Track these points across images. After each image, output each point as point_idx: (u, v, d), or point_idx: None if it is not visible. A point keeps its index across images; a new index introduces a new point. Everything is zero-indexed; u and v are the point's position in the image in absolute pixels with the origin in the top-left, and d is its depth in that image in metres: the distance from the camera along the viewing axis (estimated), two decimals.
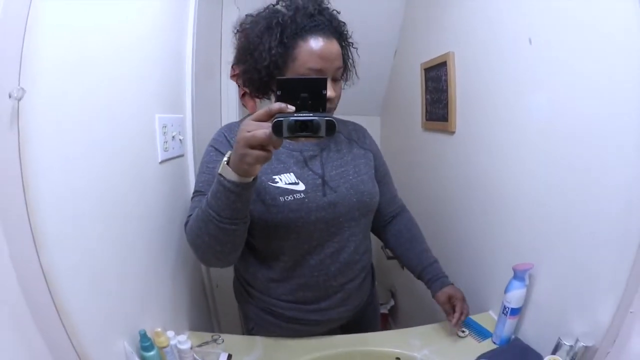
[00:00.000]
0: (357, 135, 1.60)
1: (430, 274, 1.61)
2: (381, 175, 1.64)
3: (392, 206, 1.73)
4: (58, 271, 0.88)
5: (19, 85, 0.76)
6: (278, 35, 1.23)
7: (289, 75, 1.26)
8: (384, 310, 3.03)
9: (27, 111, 0.79)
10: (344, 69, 1.39)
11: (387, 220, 1.73)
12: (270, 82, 1.33)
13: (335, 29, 1.31)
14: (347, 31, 1.37)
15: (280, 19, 1.24)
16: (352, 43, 1.41)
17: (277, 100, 0.94)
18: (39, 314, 0.86)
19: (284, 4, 1.30)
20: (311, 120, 0.91)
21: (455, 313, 1.48)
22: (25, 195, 0.80)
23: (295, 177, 1.35)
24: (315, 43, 1.23)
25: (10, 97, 0.74)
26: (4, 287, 0.79)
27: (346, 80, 1.47)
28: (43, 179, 0.85)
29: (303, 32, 1.24)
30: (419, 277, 1.65)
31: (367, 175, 1.50)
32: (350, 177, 1.43)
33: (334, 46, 1.27)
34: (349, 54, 1.41)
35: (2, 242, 0.77)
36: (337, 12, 1.36)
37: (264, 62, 1.25)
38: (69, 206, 0.94)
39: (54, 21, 0.88)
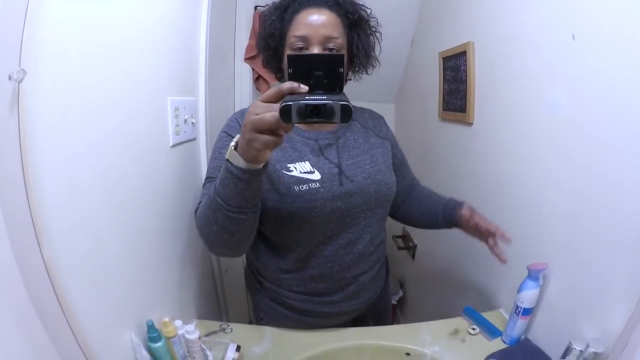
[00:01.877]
0: (373, 124, 1.57)
1: (442, 214, 1.56)
2: (399, 162, 1.62)
3: (411, 189, 1.72)
4: (60, 262, 0.86)
5: (19, 66, 0.73)
6: (280, 12, 1.33)
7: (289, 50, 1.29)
8: (392, 301, 3.01)
9: (28, 94, 0.76)
10: (350, 48, 1.37)
11: (403, 200, 1.70)
12: (281, 62, 1.38)
13: (334, 1, 1.31)
14: (357, 9, 1.36)
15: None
16: (368, 22, 1.40)
17: (289, 79, 0.89)
18: (41, 305, 0.84)
19: None
20: (324, 104, 0.81)
21: (490, 230, 1.41)
22: (26, 184, 0.78)
23: (311, 165, 1.32)
24: (305, 13, 1.28)
25: (10, 79, 0.71)
26: (6, 280, 0.77)
27: (357, 61, 1.44)
28: (45, 165, 0.82)
29: (300, 7, 1.29)
30: (439, 226, 1.60)
31: (385, 164, 1.46)
32: (367, 167, 1.40)
33: (325, 15, 1.27)
34: (360, 33, 1.38)
35: (3, 233, 0.74)
36: None
37: (265, 33, 1.36)
38: (74, 194, 0.91)
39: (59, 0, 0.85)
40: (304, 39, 1.25)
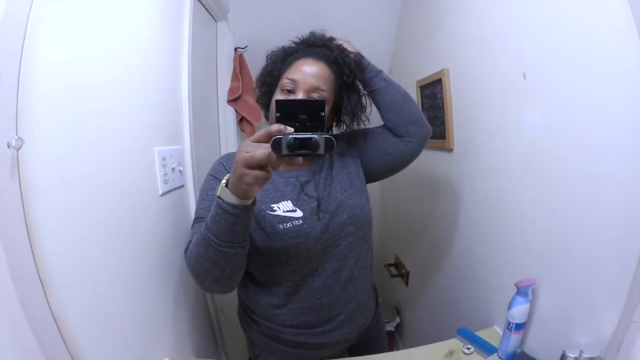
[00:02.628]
0: (347, 145, 1.61)
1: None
2: (371, 135, 1.59)
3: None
4: (67, 313, 0.90)
5: (16, 134, 0.78)
6: (285, 55, 1.45)
7: (280, 94, 1.37)
8: (390, 328, 3.01)
9: (27, 160, 0.81)
10: (339, 107, 1.46)
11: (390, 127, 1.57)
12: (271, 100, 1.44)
13: (335, 60, 1.40)
14: (355, 74, 1.44)
15: (293, 45, 1.48)
16: (359, 89, 1.50)
17: (277, 121, 0.96)
18: (51, 354, 0.87)
19: (303, 37, 1.49)
20: (310, 138, 0.92)
21: None
22: (32, 243, 0.82)
23: (293, 204, 1.38)
24: (304, 61, 1.38)
25: (9, 146, 0.76)
26: (17, 333, 0.80)
27: (344, 119, 1.51)
28: (47, 226, 0.86)
29: (302, 55, 1.40)
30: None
31: (352, 187, 1.49)
32: (338, 194, 1.44)
33: (319, 67, 1.37)
34: (350, 96, 1.46)
35: (11, 289, 0.78)
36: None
37: (265, 70, 1.48)
38: (76, 248, 0.96)
39: (48, 58, 0.89)
40: (294, 82, 1.33)
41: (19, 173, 0.79)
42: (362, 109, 1.50)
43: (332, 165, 1.51)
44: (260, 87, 1.50)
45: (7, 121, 0.77)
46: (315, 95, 1.33)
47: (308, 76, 1.34)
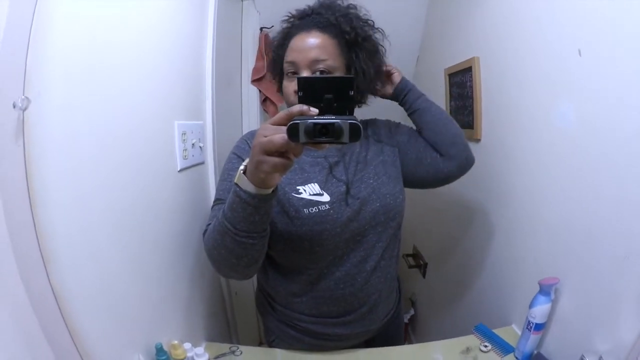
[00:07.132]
0: (371, 131, 1.53)
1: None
2: (416, 137, 1.52)
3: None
4: (68, 288, 0.87)
5: (23, 94, 0.74)
6: (282, 38, 1.36)
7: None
8: (404, 320, 2.99)
9: (33, 122, 0.77)
10: (349, 69, 1.33)
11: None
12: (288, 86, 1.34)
13: (330, 22, 1.28)
14: (356, 26, 1.31)
15: (286, 24, 1.36)
16: (369, 40, 1.35)
17: (299, 102, 0.87)
18: (49, 330, 0.85)
19: (295, 12, 1.37)
20: (332, 123, 0.79)
21: None
22: (33, 211, 0.79)
23: (320, 187, 1.31)
24: (297, 38, 1.28)
25: (14, 107, 0.72)
26: (15, 306, 0.78)
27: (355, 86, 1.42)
28: (52, 193, 0.83)
29: (295, 32, 1.30)
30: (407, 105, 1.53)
31: (387, 175, 1.41)
32: (371, 181, 1.37)
33: (313, 38, 1.25)
34: (358, 53, 1.32)
35: (11, 260, 0.75)
36: (351, 7, 1.35)
37: (271, 59, 1.43)
38: (82, 219, 0.92)
39: (65, 23, 0.86)
40: (293, 64, 1.26)
41: (23, 136, 0.76)
42: (373, 65, 1.36)
43: (367, 149, 1.44)
44: (272, 77, 1.47)
45: (15, 79, 0.73)
46: (321, 67, 1.24)
47: (304, 51, 1.24)
